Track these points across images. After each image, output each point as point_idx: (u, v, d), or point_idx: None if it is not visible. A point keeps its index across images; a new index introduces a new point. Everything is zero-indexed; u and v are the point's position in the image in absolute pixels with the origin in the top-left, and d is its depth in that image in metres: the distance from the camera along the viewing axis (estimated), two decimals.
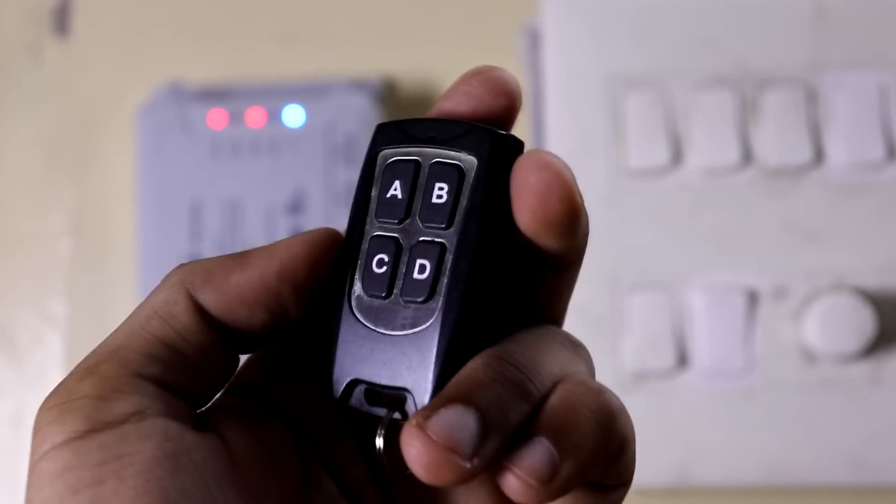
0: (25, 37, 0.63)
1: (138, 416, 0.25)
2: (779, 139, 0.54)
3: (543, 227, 0.26)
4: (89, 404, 0.25)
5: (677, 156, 0.55)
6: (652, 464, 0.54)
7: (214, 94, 0.59)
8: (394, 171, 0.27)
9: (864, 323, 0.52)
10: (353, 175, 0.53)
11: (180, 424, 0.25)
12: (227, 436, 0.26)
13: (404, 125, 0.28)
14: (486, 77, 0.27)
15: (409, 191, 0.27)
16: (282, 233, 0.58)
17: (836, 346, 0.52)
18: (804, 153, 0.54)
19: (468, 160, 0.27)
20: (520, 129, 0.29)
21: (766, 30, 0.55)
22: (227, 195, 0.58)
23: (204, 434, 0.26)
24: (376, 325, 0.27)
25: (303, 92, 0.59)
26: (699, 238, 0.54)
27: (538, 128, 0.56)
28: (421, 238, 0.27)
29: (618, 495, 0.27)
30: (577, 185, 0.26)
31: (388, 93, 0.60)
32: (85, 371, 0.26)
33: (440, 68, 0.61)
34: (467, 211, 0.26)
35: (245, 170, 0.58)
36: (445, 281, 0.26)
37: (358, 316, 0.27)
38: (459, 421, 0.24)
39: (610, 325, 0.54)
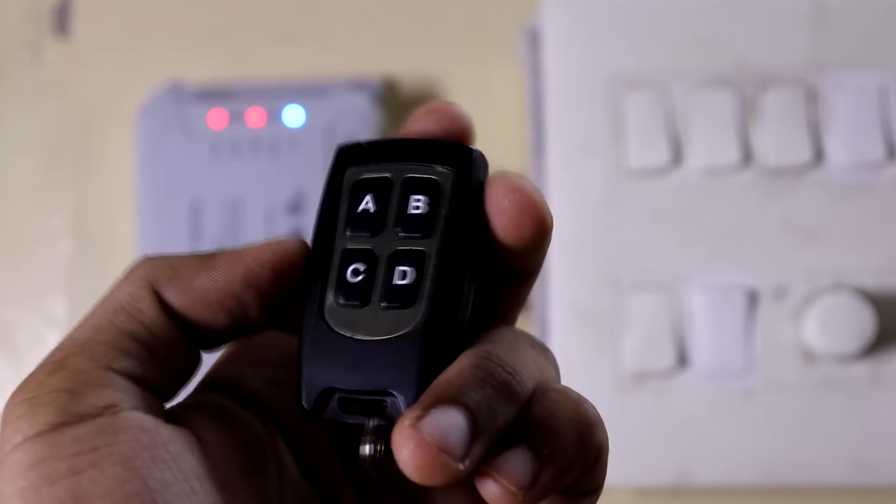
0: (25, 37, 0.63)
1: (112, 409, 0.25)
2: (779, 139, 0.54)
3: (517, 244, 0.27)
4: (61, 398, 0.25)
5: (677, 156, 0.55)
6: (652, 464, 0.54)
7: (214, 94, 0.59)
8: (364, 186, 0.28)
9: (864, 323, 0.52)
10: None
11: (154, 418, 0.26)
12: (200, 432, 0.27)
13: (368, 146, 0.29)
14: (442, 115, 0.29)
15: (382, 204, 0.28)
16: (282, 233, 0.58)
17: (835, 346, 0.52)
18: (804, 153, 0.54)
19: (443, 173, 0.28)
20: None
21: (766, 30, 0.55)
22: (227, 195, 0.58)
23: (177, 428, 0.26)
24: (353, 333, 0.27)
25: (303, 92, 0.59)
26: (699, 238, 0.54)
27: (538, 128, 0.56)
28: (399, 247, 0.27)
29: (589, 501, 0.28)
30: (546, 205, 0.28)
31: (388, 93, 0.60)
32: (54, 365, 0.26)
33: (440, 68, 0.61)
34: (448, 220, 0.27)
35: (245, 170, 0.58)
36: (429, 285, 0.27)
37: (332, 325, 0.27)
38: (451, 422, 0.24)
39: (610, 325, 0.54)
